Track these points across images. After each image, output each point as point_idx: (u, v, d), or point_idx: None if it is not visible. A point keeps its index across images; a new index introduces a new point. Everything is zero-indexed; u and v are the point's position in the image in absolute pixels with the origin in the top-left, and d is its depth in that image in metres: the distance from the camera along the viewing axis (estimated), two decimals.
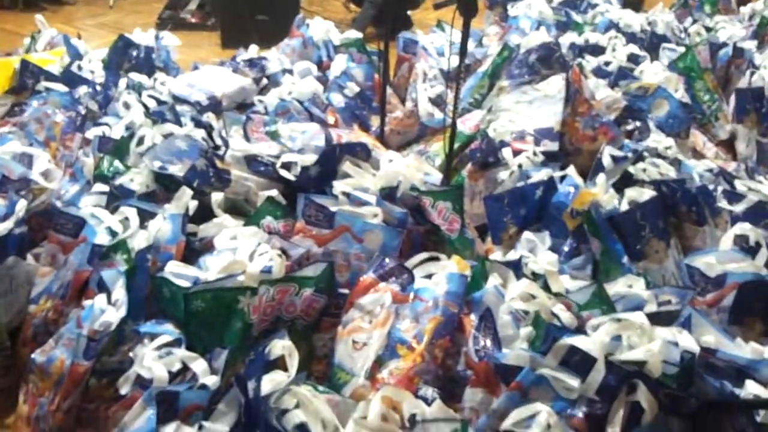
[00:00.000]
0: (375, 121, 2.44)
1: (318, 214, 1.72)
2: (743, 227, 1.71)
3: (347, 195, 1.75)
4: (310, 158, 1.84)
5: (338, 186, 1.76)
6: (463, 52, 1.90)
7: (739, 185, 2.00)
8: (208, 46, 4.27)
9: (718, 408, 1.31)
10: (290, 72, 2.65)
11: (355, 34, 2.90)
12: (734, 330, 1.61)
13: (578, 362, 1.30)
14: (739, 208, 1.90)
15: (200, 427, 1.19)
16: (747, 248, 1.70)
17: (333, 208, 1.70)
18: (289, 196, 1.83)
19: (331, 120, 2.34)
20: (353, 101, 2.47)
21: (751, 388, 1.28)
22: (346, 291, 1.60)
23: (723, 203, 1.94)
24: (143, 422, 1.23)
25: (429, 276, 1.57)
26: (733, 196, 1.94)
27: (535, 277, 1.56)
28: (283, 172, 1.87)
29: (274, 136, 2.04)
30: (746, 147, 2.69)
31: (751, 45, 3.28)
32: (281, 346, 1.35)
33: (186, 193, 1.71)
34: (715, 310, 1.64)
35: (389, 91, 2.69)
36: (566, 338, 1.32)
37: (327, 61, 2.76)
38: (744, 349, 1.40)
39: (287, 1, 4.19)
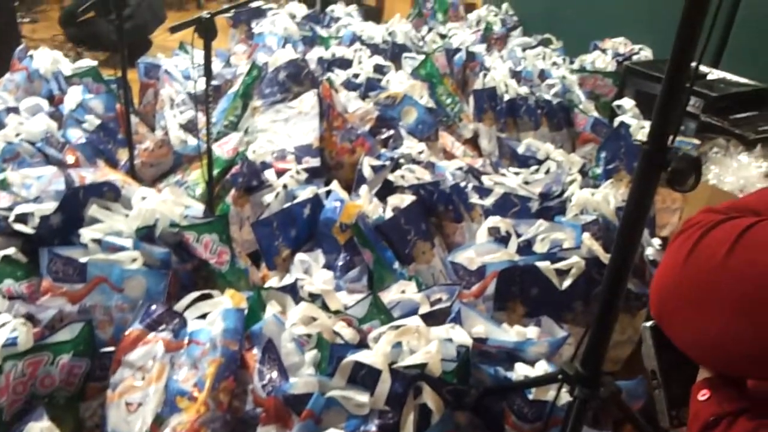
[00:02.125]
0: (123, 155, 2.25)
1: (66, 268, 1.54)
2: (494, 220, 1.85)
3: (98, 242, 1.58)
4: (49, 206, 1.63)
5: (86, 233, 1.58)
6: (208, 74, 1.82)
7: (486, 180, 2.17)
8: None
9: (495, 393, 1.39)
10: (16, 110, 2.34)
11: (88, 62, 2.66)
12: (500, 315, 1.74)
13: (365, 376, 1.31)
14: (488, 201, 2.06)
15: None
16: (500, 238, 1.84)
17: (83, 259, 1.54)
18: (29, 252, 1.61)
19: (70, 159, 2.11)
20: (95, 135, 2.26)
21: (521, 370, 1.38)
22: (111, 349, 1.45)
23: (474, 198, 2.09)
24: None
25: (203, 316, 1.48)
26: (482, 191, 2.10)
27: (313, 297, 1.54)
28: (19, 226, 1.64)
29: (3, 185, 1.78)
30: (488, 143, 2.94)
31: (481, 49, 3.62)
32: (39, 428, 1.18)
33: None
34: (481, 300, 1.76)
35: (135, 120, 2.51)
36: (350, 355, 1.32)
37: (59, 94, 2.49)
38: (510, 333, 1.51)
39: (5, 30, 3.72)
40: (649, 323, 0.74)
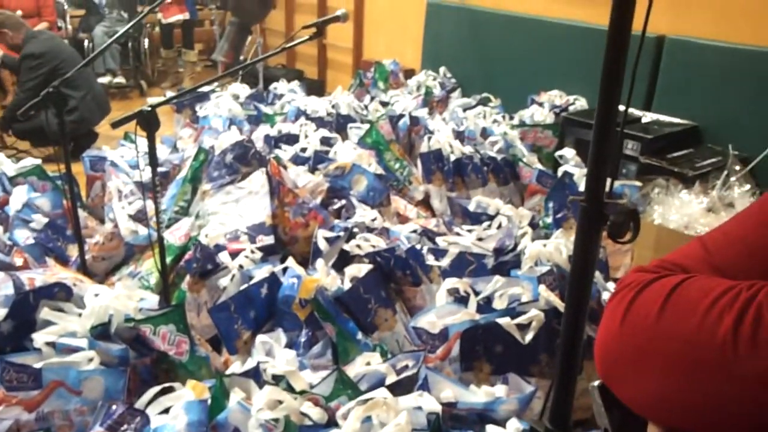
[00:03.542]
0: (73, 251, 2.22)
1: (20, 375, 1.49)
2: (452, 281, 1.86)
3: (53, 345, 1.54)
4: None
5: (39, 337, 1.54)
6: (153, 165, 1.82)
7: (441, 241, 2.19)
8: None
9: None
10: None
11: (32, 161, 2.64)
12: (467, 376, 1.74)
13: None
14: (444, 262, 2.08)
15: None
16: (459, 298, 1.86)
17: (37, 365, 1.49)
18: None
19: (19, 262, 2.06)
20: (43, 234, 2.22)
21: None
22: None
23: (431, 260, 2.11)
24: None
25: (166, 410, 1.44)
26: (438, 252, 2.12)
27: (277, 379, 1.51)
28: None
29: None
30: (440, 203, 2.99)
31: (423, 113, 3.72)
32: None
33: None
34: (447, 362, 1.75)
35: (84, 215, 2.49)
36: None
37: (4, 195, 2.45)
38: (478, 394, 1.50)
39: None
40: (596, 382, 0.75)
